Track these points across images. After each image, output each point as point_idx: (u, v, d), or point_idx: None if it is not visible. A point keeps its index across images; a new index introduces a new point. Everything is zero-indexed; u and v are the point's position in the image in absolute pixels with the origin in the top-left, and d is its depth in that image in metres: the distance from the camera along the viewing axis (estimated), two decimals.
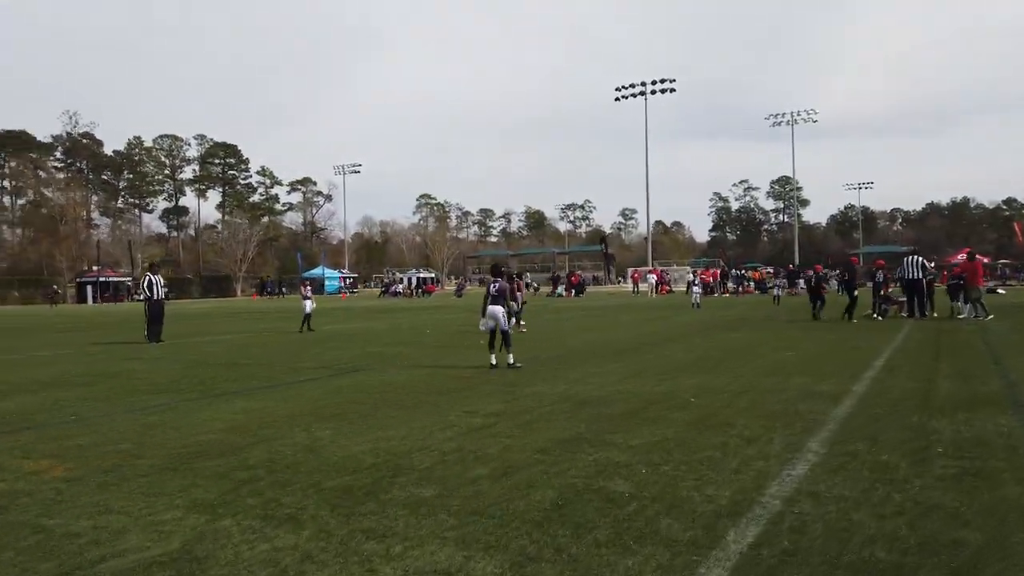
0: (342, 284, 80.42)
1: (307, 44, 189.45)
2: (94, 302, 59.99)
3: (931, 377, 9.57)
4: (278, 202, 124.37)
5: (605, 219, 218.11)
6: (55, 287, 63.92)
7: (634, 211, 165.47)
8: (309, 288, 22.08)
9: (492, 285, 12.04)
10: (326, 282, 77.75)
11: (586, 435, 6.47)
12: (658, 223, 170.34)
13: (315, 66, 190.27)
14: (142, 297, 17.92)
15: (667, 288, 51.32)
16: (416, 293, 58.37)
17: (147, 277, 18.26)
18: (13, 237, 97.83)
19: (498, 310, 11.70)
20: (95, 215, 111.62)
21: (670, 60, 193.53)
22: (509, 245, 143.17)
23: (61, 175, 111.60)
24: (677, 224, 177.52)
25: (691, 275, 49.77)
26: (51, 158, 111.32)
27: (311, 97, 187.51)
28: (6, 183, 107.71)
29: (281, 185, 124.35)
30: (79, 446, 6.40)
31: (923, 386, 8.86)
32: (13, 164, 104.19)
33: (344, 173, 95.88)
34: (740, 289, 45.77)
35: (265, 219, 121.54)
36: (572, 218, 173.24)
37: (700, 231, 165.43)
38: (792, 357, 12.11)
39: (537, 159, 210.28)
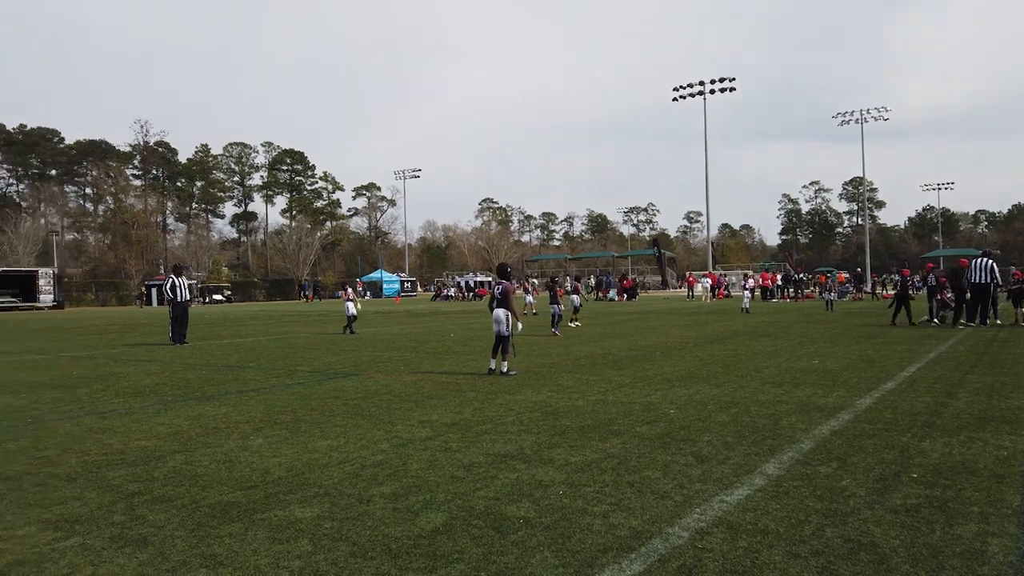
0: (400, 288, 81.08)
1: (373, 52, 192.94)
2: (159, 304, 62.00)
3: (953, 391, 8.68)
4: (340, 207, 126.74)
5: (670, 222, 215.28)
6: (142, 290, 66.48)
7: (699, 214, 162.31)
8: (352, 291, 22.07)
9: (497, 287, 11.63)
10: (384, 285, 78.64)
11: (528, 450, 5.97)
12: (724, 226, 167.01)
13: (381, 73, 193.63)
14: (166, 300, 18.10)
15: (724, 292, 49.80)
16: (467, 296, 58.23)
17: (170, 279, 18.47)
18: (96, 242, 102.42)
19: (502, 314, 11.27)
20: (170, 221, 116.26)
21: (732, 59, 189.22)
22: (571, 249, 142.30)
23: (138, 182, 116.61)
24: (746, 227, 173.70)
25: (739, 279, 48.34)
26: (129, 166, 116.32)
27: (378, 104, 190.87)
28: (88, 190, 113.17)
29: (343, 191, 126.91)
30: (5, 451, 6.25)
31: (938, 401, 8.02)
32: (95, 173, 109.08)
33: (405, 178, 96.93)
34: (799, 294, 44.00)
35: (330, 224, 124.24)
36: (635, 221, 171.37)
37: (770, 234, 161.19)
38: (814, 366, 11.28)
39: (601, 162, 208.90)
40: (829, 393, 8.69)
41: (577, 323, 22.44)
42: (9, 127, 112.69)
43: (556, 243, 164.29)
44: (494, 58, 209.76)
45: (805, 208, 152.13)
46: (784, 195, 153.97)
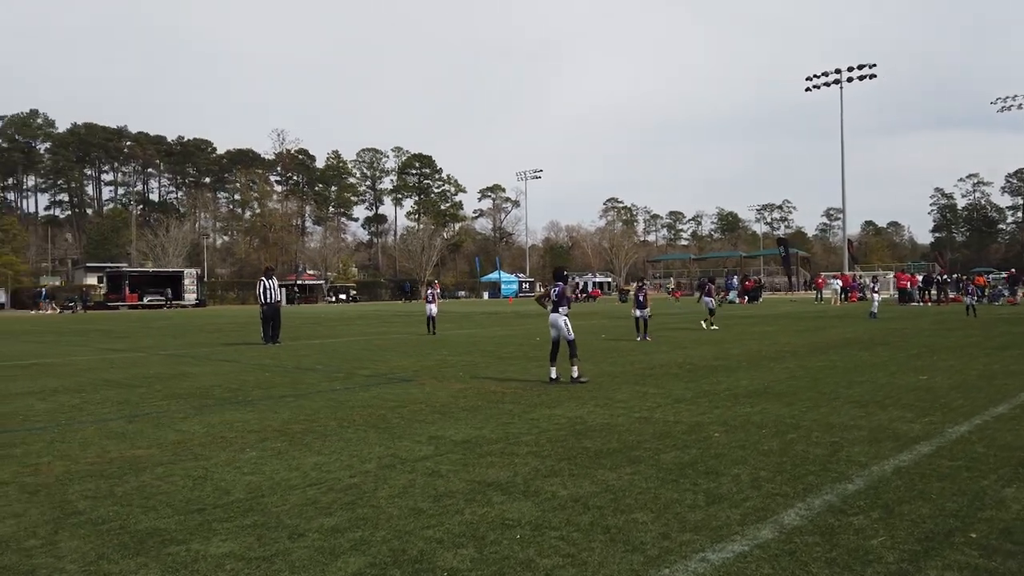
0: (519, 288, 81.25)
1: (498, 57, 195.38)
2: (289, 303, 65.13)
3: None
4: (462, 208, 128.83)
5: (807, 220, 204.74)
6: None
7: (839, 211, 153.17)
8: (432, 292, 22.00)
9: (553, 290, 10.96)
10: (502, 286, 79.05)
11: (520, 479, 5.29)
12: (868, 224, 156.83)
13: (506, 76, 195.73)
14: (259, 301, 18.56)
15: (857, 295, 46.28)
16: (580, 297, 57.35)
17: (260, 282, 18.94)
18: (245, 243, 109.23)
19: (560, 319, 10.62)
20: (308, 224, 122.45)
21: (871, 45, 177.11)
22: (699, 248, 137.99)
23: (280, 188, 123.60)
24: (893, 224, 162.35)
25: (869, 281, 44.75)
26: (273, 173, 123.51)
27: (505, 106, 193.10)
28: (236, 196, 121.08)
29: (465, 192, 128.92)
30: (4, 456, 6.24)
31: None
32: (244, 179, 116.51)
33: (526, 179, 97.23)
34: (942, 297, 40.09)
35: (457, 225, 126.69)
36: (769, 219, 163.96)
37: (921, 232, 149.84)
38: (918, 383, 9.85)
39: (731, 158, 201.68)
40: (919, 417, 7.42)
41: (712, 327, 21.16)
42: (169, 139, 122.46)
43: (683, 243, 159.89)
44: (618, 55, 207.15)
45: (961, 203, 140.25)
46: (937, 189, 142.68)
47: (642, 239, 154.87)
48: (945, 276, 42.51)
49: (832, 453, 5.94)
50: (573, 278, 75.24)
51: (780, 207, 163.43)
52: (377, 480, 5.30)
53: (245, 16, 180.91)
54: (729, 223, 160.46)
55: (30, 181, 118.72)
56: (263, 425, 7.45)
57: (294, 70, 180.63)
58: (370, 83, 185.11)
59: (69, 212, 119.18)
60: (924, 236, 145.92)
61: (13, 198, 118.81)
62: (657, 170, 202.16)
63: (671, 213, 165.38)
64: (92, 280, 68.60)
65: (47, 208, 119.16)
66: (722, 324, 22.77)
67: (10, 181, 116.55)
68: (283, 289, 67.62)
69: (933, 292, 41.21)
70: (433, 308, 21.05)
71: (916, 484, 5.02)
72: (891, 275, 53.47)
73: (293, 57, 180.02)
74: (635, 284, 25.91)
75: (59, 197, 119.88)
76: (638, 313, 18.19)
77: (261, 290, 18.57)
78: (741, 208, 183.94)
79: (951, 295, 41.07)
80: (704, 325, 21.39)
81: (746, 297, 46.30)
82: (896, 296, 41.15)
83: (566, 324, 10.63)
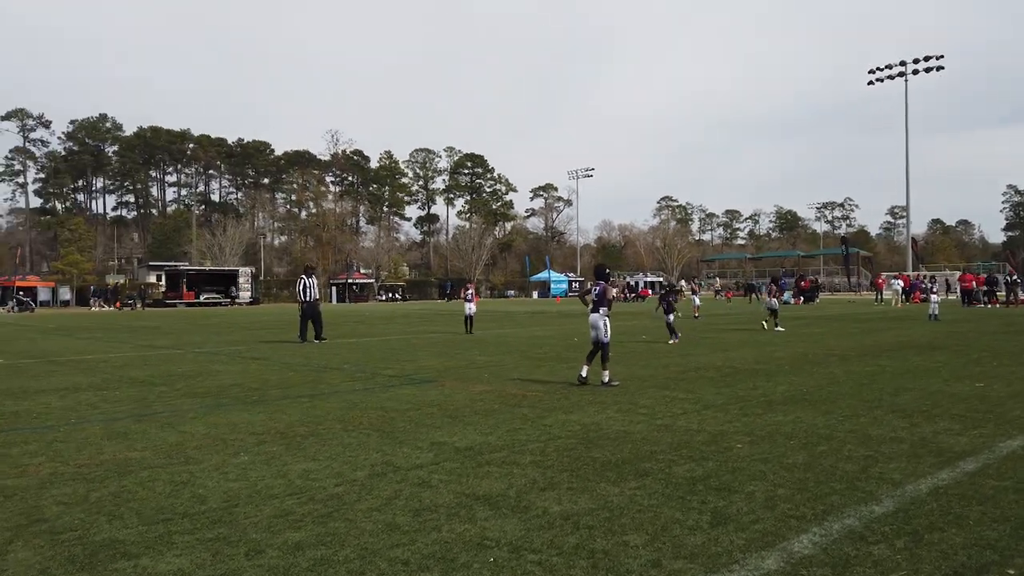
0: (568, 288, 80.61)
1: (552, 54, 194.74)
2: (339, 302, 65.88)
3: None
4: (512, 207, 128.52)
5: (870, 219, 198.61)
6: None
7: (904, 209, 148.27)
8: (471, 291, 21.76)
9: (594, 289, 10.54)
10: (552, 285, 78.53)
11: (514, 492, 4.92)
12: (935, 222, 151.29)
13: (558, 75, 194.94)
14: (299, 300, 18.57)
15: (920, 296, 44.31)
16: (628, 298, 56.42)
17: (301, 280, 18.93)
18: (300, 243, 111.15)
19: (599, 319, 10.20)
20: (363, 223, 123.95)
21: (938, 35, 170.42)
22: (757, 248, 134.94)
23: (336, 188, 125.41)
24: (963, 223, 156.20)
25: (922, 283, 42.95)
26: (328, 174, 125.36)
27: (557, 105, 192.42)
28: (293, 196, 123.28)
29: (516, 191, 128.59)
30: (3, 456, 6.14)
31: None
32: (301, 180, 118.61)
33: (577, 177, 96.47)
34: (1012, 298, 38.03)
35: (508, 225, 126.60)
36: (830, 218, 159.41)
37: (993, 231, 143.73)
38: (973, 391, 9.14)
39: (791, 156, 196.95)
40: (968, 430, 6.78)
41: (777, 328, 20.46)
42: (230, 141, 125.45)
43: (740, 242, 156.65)
44: (675, 50, 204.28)
45: None
46: (1009, 186, 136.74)
47: (697, 238, 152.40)
48: (1016, 276, 40.32)
49: (863, 469, 5.40)
50: (623, 277, 74.18)
51: (842, 205, 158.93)
52: (362, 490, 4.99)
53: (300, 19, 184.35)
54: (788, 222, 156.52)
55: (99, 183, 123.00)
56: (267, 427, 7.24)
57: (348, 71, 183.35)
58: (425, 83, 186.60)
59: (135, 213, 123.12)
60: (996, 235, 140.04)
61: (83, 199, 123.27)
62: (713, 168, 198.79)
63: (727, 212, 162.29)
64: (154, 278, 70.64)
65: (114, 209, 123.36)
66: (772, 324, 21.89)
67: (80, 183, 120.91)
68: (333, 287, 68.59)
69: (1001, 293, 39.22)
70: (471, 307, 20.84)
71: (953, 507, 4.47)
72: (954, 275, 51.18)
73: (347, 58, 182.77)
74: (664, 288, 25.20)
75: (125, 198, 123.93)
76: (670, 318, 17.44)
77: (301, 288, 18.57)
78: (800, 206, 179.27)
79: (1022, 296, 39.02)
80: (765, 326, 20.62)
81: (801, 297, 44.85)
82: (959, 298, 39.28)
83: (605, 325, 10.21)
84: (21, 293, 55.19)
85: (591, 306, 10.44)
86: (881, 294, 44.62)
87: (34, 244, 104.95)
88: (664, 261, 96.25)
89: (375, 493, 4.91)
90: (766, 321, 20.97)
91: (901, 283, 42.48)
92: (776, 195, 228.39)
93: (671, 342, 16.54)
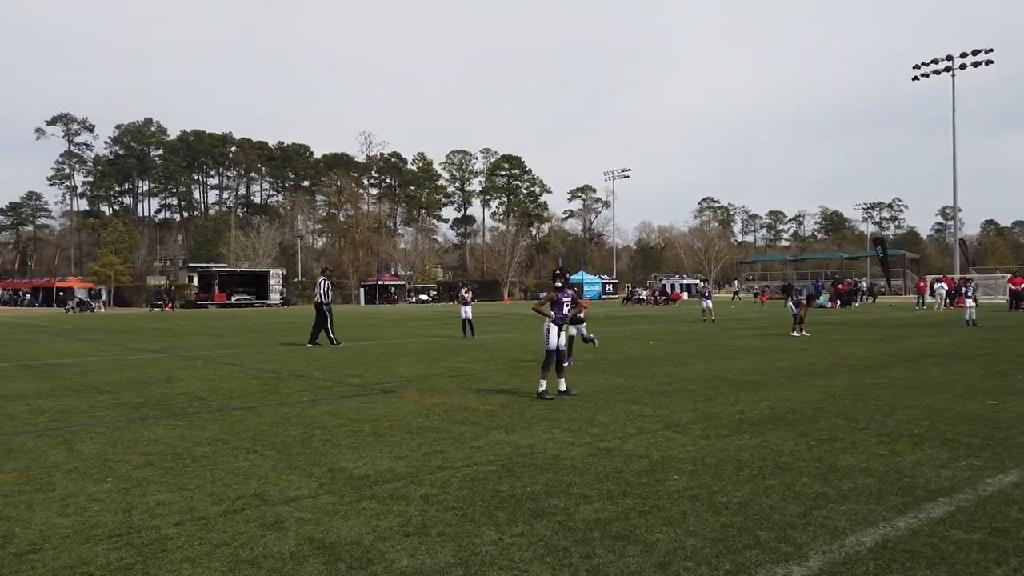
0: (602, 290, 79.39)
1: (588, 55, 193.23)
2: (367, 303, 65.74)
3: None
4: (547, 209, 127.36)
5: (921, 220, 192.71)
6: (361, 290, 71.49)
7: (958, 210, 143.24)
8: (468, 294, 21.05)
9: (562, 294, 9.58)
10: (585, 288, 77.36)
11: (368, 539, 4.15)
12: (989, 223, 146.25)
13: (596, 76, 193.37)
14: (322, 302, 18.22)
15: (964, 300, 42.07)
16: (659, 300, 54.99)
17: (322, 282, 18.58)
18: (335, 245, 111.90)
19: (548, 324, 9.29)
20: (399, 225, 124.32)
21: (986, 29, 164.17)
22: (801, 250, 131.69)
23: (374, 190, 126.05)
24: (1020, 224, 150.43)
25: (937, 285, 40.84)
26: (366, 176, 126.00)
27: (596, 106, 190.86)
28: (331, 198, 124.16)
29: (550, 193, 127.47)
30: None
31: None
32: (339, 183, 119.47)
33: (614, 179, 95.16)
34: None
35: (545, 226, 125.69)
36: (878, 219, 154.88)
37: None
38: (983, 411, 8.11)
39: (837, 155, 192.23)
40: (957, 459, 5.82)
41: (793, 333, 19.74)
42: (270, 144, 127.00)
43: (784, 243, 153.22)
44: (715, 50, 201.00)
45: None
46: None
47: (739, 240, 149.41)
48: None
49: (806, 513, 4.52)
50: (658, 279, 72.58)
51: (890, 206, 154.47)
52: (200, 531, 4.27)
53: (340, 23, 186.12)
54: (833, 223, 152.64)
55: (144, 186, 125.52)
56: (169, 446, 6.59)
57: (385, 73, 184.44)
58: (461, 84, 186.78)
59: (178, 215, 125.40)
60: None
61: (129, 202, 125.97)
62: (757, 169, 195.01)
63: (771, 213, 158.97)
64: (195, 280, 71.45)
65: (158, 211, 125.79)
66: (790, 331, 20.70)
67: (127, 186, 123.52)
68: (362, 289, 68.52)
69: None
70: (468, 310, 20.12)
71: (893, 571, 3.58)
72: (995, 279, 48.73)
73: (384, 60, 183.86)
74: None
75: (169, 201, 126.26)
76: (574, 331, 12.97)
77: (325, 290, 18.26)
78: (846, 207, 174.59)
79: None
80: (795, 334, 19.57)
81: (838, 301, 43.11)
82: (1008, 301, 37.18)
83: (547, 331, 9.26)
84: (86, 295, 56.41)
85: (560, 308, 9.49)
86: (923, 298, 42.63)
87: (84, 246, 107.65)
88: (700, 263, 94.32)
89: (211, 536, 4.19)
90: (794, 329, 19.97)
91: (945, 286, 40.50)
92: (822, 195, 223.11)
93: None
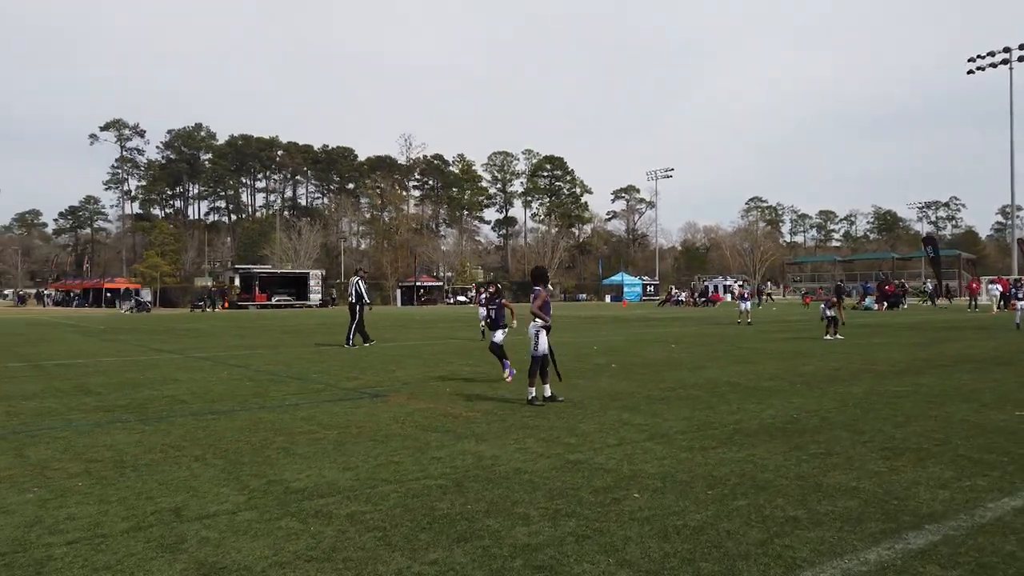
0: (643, 291, 78.20)
1: (635, 55, 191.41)
2: (403, 304, 65.85)
3: None
4: (587, 209, 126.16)
5: (980, 219, 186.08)
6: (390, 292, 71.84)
7: (1020, 208, 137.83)
8: (484, 295, 20.60)
9: (533, 296, 9.04)
10: (625, 289, 76.40)
11: (258, 567, 3.77)
12: None
13: (642, 75, 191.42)
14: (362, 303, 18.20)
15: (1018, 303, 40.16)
16: (697, 302, 53.75)
17: (355, 282, 18.53)
18: (375, 247, 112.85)
19: (532, 327, 8.80)
20: (442, 227, 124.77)
21: None
22: (853, 250, 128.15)
23: (417, 192, 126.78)
24: None
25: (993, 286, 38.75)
26: (409, 178, 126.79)
27: (642, 106, 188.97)
28: (374, 201, 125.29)
29: (591, 193, 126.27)
30: None
31: None
32: (382, 185, 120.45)
33: (656, 178, 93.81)
34: None
35: (588, 227, 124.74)
36: (934, 218, 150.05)
37: None
38: (1010, 422, 7.42)
39: (890, 153, 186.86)
40: (961, 479, 5.21)
41: (826, 336, 19.07)
42: (315, 148, 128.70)
43: (835, 243, 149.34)
44: (762, 49, 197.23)
45: None
46: None
47: (788, 240, 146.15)
48: None
49: (766, 541, 3.99)
50: (701, 280, 71.11)
51: (947, 204, 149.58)
52: (85, 552, 3.93)
53: (383, 27, 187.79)
54: (887, 223, 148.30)
55: (194, 189, 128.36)
56: (120, 453, 6.32)
57: (428, 73, 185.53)
58: (505, 85, 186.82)
59: (226, 217, 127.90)
60: None
61: (180, 205, 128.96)
62: (807, 167, 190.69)
63: (821, 212, 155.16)
64: (236, 281, 72.62)
65: (207, 214, 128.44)
66: (841, 333, 19.78)
67: (177, 190, 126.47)
68: (400, 290, 68.70)
69: None
70: (484, 311, 19.67)
71: None
72: None
73: (426, 59, 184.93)
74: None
75: (217, 204, 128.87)
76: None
77: (356, 290, 18.25)
78: (900, 206, 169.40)
79: None
80: (828, 337, 18.77)
81: (884, 303, 41.55)
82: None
83: (537, 335, 8.75)
84: (139, 295, 57.93)
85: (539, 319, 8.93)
86: (975, 300, 40.82)
87: (136, 248, 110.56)
88: (745, 264, 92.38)
89: (97, 558, 3.85)
90: (827, 332, 19.14)
91: (999, 288, 38.70)
92: (875, 195, 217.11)
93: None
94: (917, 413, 7.87)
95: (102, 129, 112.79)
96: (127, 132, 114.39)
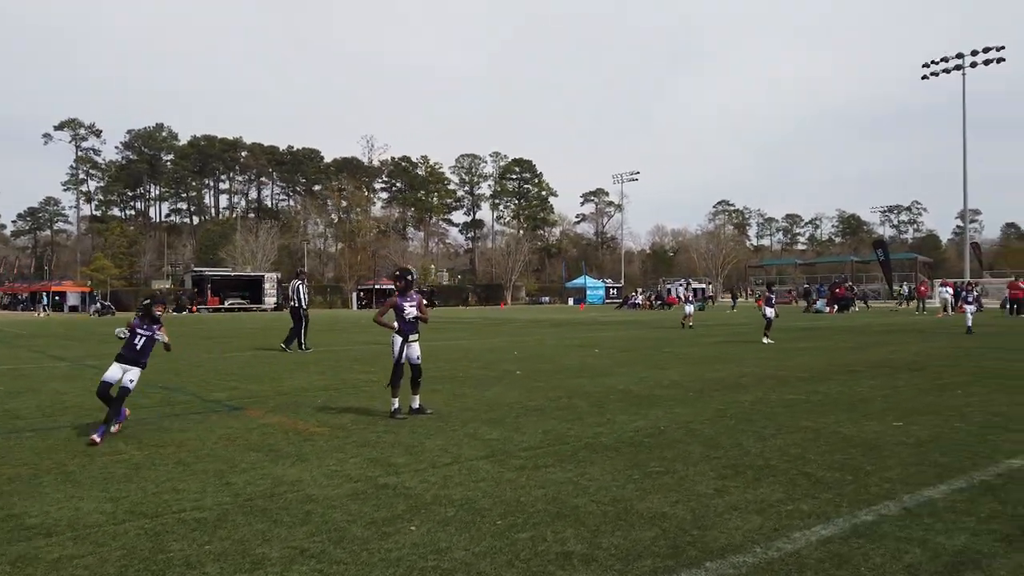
0: (606, 295, 78.02)
1: (633, 58, 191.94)
2: (359, 308, 64.93)
3: None
4: (552, 212, 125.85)
5: (940, 223, 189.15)
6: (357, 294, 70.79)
7: (977, 212, 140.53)
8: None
9: (404, 298, 8.43)
10: (588, 292, 76.17)
11: None
12: (1010, 226, 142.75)
13: (645, 77, 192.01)
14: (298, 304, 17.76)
15: (964, 306, 40.36)
16: (654, 305, 53.53)
17: (296, 285, 18.07)
18: (344, 249, 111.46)
19: (398, 337, 8.22)
20: (409, 230, 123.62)
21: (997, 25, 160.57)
22: (817, 253, 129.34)
23: (384, 194, 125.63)
24: None
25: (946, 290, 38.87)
26: (377, 180, 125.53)
27: (613, 110, 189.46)
28: (343, 202, 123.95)
29: (556, 196, 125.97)
30: None
31: None
32: (342, 187, 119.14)
33: (622, 182, 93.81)
34: None
35: (556, 230, 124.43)
36: (896, 222, 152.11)
37: None
38: (883, 433, 6.97)
39: (857, 157, 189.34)
40: (786, 502, 4.71)
41: (764, 339, 18.53)
42: (281, 149, 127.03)
43: (801, 247, 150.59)
44: (735, 55, 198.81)
45: None
46: None
47: (755, 244, 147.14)
48: None
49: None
50: (665, 283, 70.90)
51: (908, 209, 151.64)
52: None
53: (345, 26, 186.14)
54: (851, 226, 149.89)
55: (155, 191, 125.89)
56: None
57: (393, 77, 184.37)
58: (506, 85, 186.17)
59: (187, 220, 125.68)
60: None
61: (140, 207, 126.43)
62: (776, 173, 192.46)
63: (787, 216, 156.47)
64: (188, 283, 71.04)
65: (168, 216, 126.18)
66: (771, 336, 19.42)
67: (138, 191, 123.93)
68: (354, 294, 67.73)
69: None
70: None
71: None
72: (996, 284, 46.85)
73: (392, 59, 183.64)
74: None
75: (179, 205, 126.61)
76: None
77: (295, 292, 17.89)
78: (863, 210, 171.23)
79: None
80: (766, 340, 18.39)
81: (835, 306, 41.58)
82: (1007, 306, 35.62)
83: (402, 342, 8.20)
84: (95, 298, 56.86)
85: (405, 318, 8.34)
86: (923, 302, 40.98)
87: (93, 251, 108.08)
88: (708, 267, 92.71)
89: None
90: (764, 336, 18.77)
91: (949, 291, 38.83)
92: (839, 199, 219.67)
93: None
94: (790, 424, 7.40)
95: (56, 128, 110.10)
96: (83, 132, 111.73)
